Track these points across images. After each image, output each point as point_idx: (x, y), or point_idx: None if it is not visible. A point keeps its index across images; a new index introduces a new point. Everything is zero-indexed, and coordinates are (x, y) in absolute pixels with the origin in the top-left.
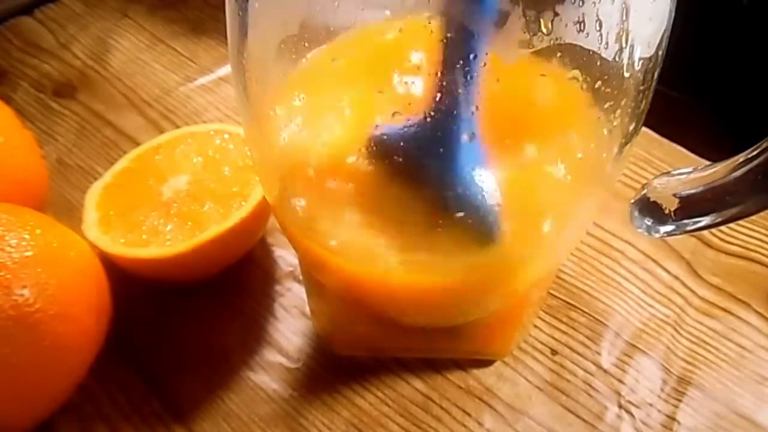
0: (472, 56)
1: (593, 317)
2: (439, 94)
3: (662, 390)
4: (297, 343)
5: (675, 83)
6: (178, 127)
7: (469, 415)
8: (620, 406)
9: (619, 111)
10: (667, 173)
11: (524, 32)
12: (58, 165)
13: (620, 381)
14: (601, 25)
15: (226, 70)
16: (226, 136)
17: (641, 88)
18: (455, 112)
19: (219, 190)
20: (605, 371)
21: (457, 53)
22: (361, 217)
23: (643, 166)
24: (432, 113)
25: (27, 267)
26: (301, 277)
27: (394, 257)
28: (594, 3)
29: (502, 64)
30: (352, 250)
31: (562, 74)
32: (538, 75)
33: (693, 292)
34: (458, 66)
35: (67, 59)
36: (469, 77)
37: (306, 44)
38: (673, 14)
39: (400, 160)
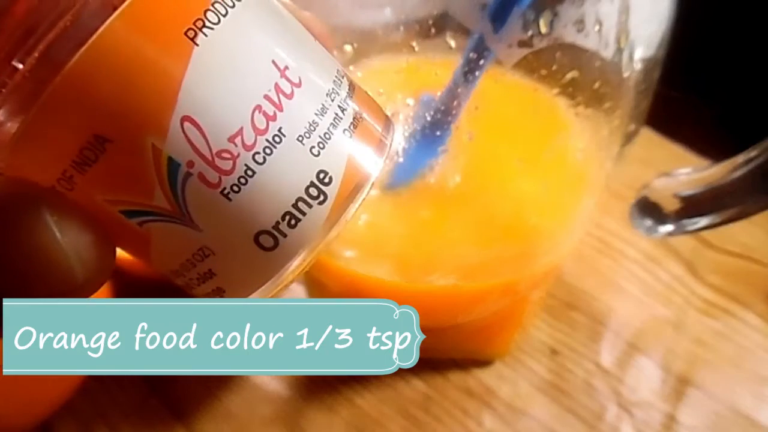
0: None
1: (593, 317)
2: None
3: (662, 390)
4: None
5: (675, 83)
6: None
7: (469, 415)
8: (620, 406)
9: (619, 111)
10: (667, 173)
11: (524, 32)
12: None
13: (620, 381)
14: (600, 25)
15: None
16: None
17: (641, 88)
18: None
19: None
20: (605, 371)
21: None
22: (364, 220)
23: (643, 166)
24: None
25: None
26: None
27: (395, 261)
28: (594, 3)
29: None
30: (354, 253)
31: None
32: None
33: (693, 292)
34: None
35: None
36: (471, 78)
37: None
38: (673, 14)
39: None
